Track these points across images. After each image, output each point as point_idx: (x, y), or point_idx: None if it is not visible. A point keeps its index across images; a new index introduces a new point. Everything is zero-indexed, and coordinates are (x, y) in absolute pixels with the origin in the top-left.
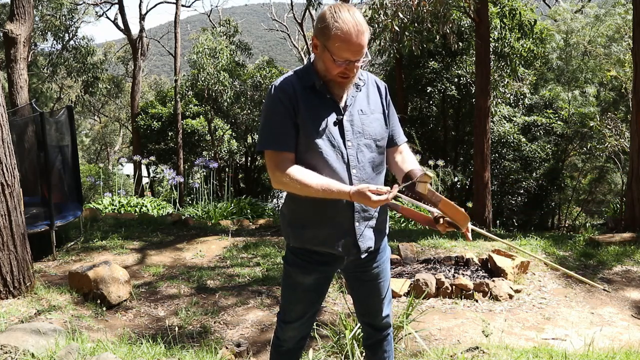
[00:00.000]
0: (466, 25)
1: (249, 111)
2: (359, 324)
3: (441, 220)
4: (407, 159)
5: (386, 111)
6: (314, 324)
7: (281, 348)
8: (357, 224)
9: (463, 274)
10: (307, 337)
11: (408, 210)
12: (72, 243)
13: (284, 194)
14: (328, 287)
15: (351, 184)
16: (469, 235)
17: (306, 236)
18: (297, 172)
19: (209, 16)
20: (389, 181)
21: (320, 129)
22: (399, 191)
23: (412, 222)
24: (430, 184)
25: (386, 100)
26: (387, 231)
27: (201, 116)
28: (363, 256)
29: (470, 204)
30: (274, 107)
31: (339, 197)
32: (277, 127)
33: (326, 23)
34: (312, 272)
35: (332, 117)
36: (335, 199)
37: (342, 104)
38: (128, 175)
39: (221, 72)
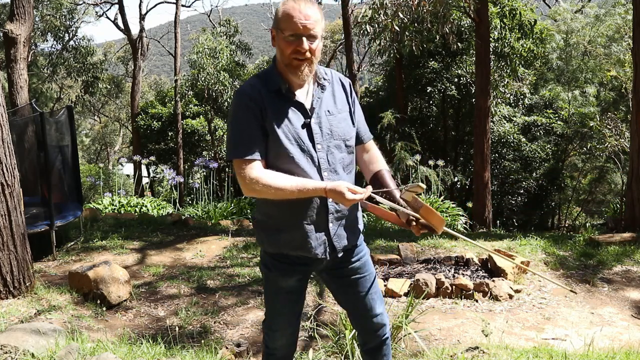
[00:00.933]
0: (466, 25)
1: None
2: None
3: (414, 223)
4: (375, 158)
5: (352, 109)
6: (315, 324)
7: (274, 357)
8: (331, 224)
9: (463, 274)
10: (296, 342)
11: (379, 210)
12: (72, 243)
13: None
14: (306, 287)
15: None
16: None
17: (282, 240)
18: (269, 177)
19: (209, 16)
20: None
21: (289, 133)
22: (374, 192)
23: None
24: (419, 194)
25: (351, 97)
26: (361, 228)
27: (201, 116)
28: (340, 255)
29: (470, 204)
30: (241, 114)
31: (314, 194)
32: (246, 134)
33: (278, 8)
34: (293, 274)
35: (300, 121)
36: (309, 199)
37: (308, 106)
38: (128, 175)
39: (221, 72)
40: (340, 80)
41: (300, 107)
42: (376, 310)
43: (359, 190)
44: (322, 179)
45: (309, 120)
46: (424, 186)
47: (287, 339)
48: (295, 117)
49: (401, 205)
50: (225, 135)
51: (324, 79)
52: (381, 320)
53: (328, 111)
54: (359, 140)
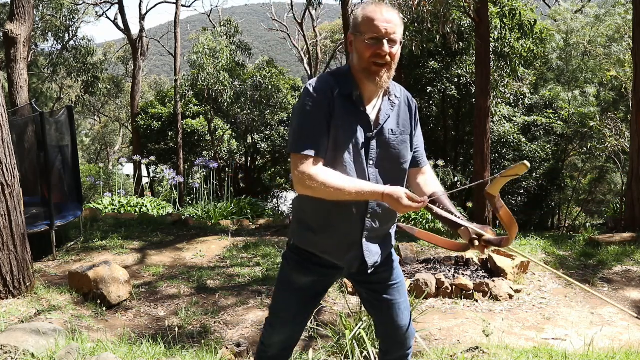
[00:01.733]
0: (466, 25)
1: (249, 111)
2: (359, 324)
3: (476, 243)
4: (430, 181)
5: (413, 132)
6: (315, 324)
7: (265, 354)
8: (364, 240)
9: (463, 274)
10: (293, 347)
11: (428, 235)
12: (72, 243)
13: (287, 194)
14: (324, 293)
15: (367, 201)
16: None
17: (310, 240)
18: (327, 175)
19: (209, 16)
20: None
21: (349, 141)
22: (431, 202)
23: (412, 223)
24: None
25: (415, 120)
26: (393, 243)
27: (201, 116)
28: (370, 271)
29: (470, 204)
30: (311, 108)
31: (371, 197)
32: (311, 129)
33: (357, 12)
34: (310, 273)
35: (362, 133)
36: (348, 210)
37: (373, 119)
38: (128, 175)
39: (221, 72)
40: (408, 101)
41: (366, 118)
42: (404, 322)
43: (417, 199)
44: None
45: (370, 134)
46: (529, 164)
47: (283, 338)
48: (358, 127)
49: (463, 220)
50: (225, 135)
51: (396, 96)
52: (408, 332)
53: (391, 130)
54: (415, 164)
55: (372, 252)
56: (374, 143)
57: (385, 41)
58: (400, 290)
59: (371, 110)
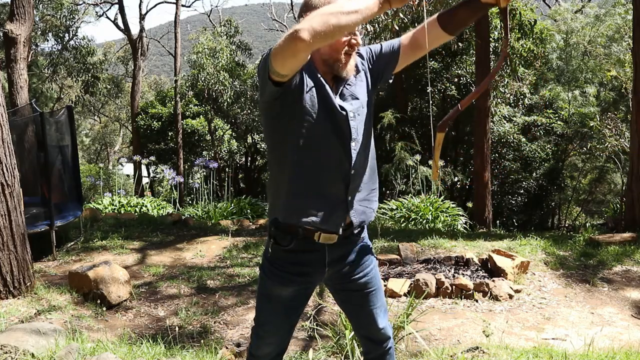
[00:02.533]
0: None
1: (249, 111)
2: None
3: None
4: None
5: (365, 71)
6: (315, 324)
7: None
8: (349, 197)
9: (463, 274)
10: (282, 354)
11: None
12: (72, 243)
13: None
14: (307, 301)
15: (350, 156)
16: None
17: (296, 207)
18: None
19: (209, 16)
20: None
21: (324, 108)
22: None
23: (412, 223)
24: None
25: (372, 55)
26: (376, 208)
27: (201, 116)
28: (356, 231)
29: (470, 204)
30: None
31: (374, 13)
32: None
33: (321, 2)
34: (290, 284)
35: (331, 97)
36: (327, 170)
37: (334, 87)
38: (128, 175)
39: (221, 72)
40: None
41: (328, 85)
42: (379, 324)
43: None
44: (350, 147)
45: (336, 94)
46: None
47: (272, 350)
48: (326, 92)
49: None
50: (225, 135)
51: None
52: (384, 333)
53: (348, 85)
54: (395, 45)
55: (358, 211)
56: (338, 100)
57: (357, 31)
58: (377, 296)
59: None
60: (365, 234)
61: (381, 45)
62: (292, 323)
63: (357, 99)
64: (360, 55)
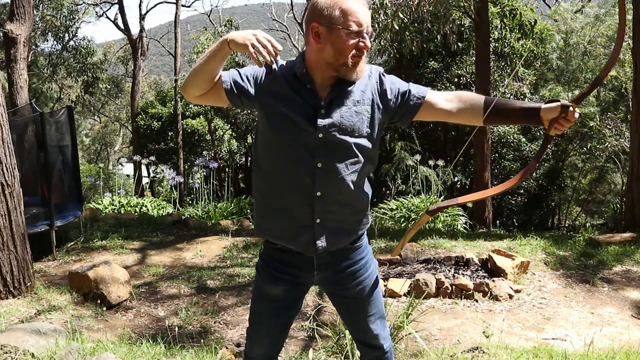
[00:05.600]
0: (466, 25)
1: (249, 111)
2: None
3: (570, 109)
4: (463, 97)
5: (381, 101)
6: (315, 324)
7: None
8: (317, 220)
9: (463, 274)
10: (277, 356)
11: (477, 194)
12: (72, 243)
13: None
14: (301, 302)
15: (314, 176)
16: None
17: (264, 226)
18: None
19: (209, 16)
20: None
21: (294, 116)
22: (493, 109)
23: (412, 223)
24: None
25: (380, 87)
26: (361, 233)
27: (201, 116)
28: (319, 254)
29: (470, 204)
30: (252, 69)
31: (218, 51)
32: (242, 75)
33: (327, 3)
34: (280, 282)
35: (308, 107)
36: (290, 189)
37: (323, 95)
38: (128, 175)
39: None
40: (369, 72)
41: (313, 93)
42: (374, 331)
43: (273, 43)
44: (314, 167)
45: (319, 108)
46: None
47: (265, 350)
48: (304, 100)
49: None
50: (225, 135)
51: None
52: (379, 339)
53: (344, 101)
54: (417, 102)
55: (327, 240)
56: (323, 114)
57: (366, 35)
58: (373, 304)
59: (321, 89)
60: (362, 241)
61: (409, 90)
62: (284, 324)
63: (350, 114)
64: (382, 81)
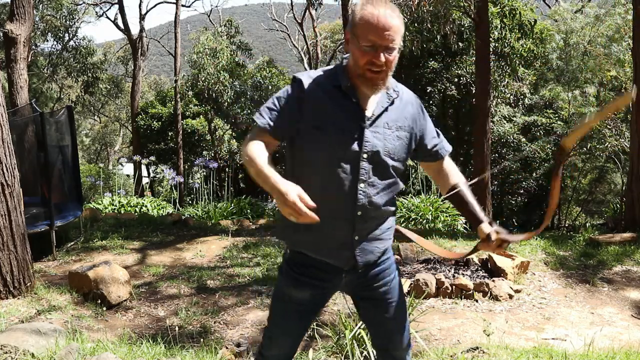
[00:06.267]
0: (466, 25)
1: (249, 111)
2: (358, 324)
3: (493, 237)
4: (449, 173)
5: (418, 132)
6: (315, 324)
7: None
8: (356, 237)
9: (463, 274)
10: (292, 356)
11: (428, 244)
12: (72, 243)
13: None
14: (323, 306)
15: (356, 197)
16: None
17: (300, 240)
18: (252, 145)
19: (209, 16)
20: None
21: (337, 134)
22: (454, 194)
23: (412, 223)
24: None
25: (421, 118)
26: (391, 242)
27: (201, 116)
28: (360, 270)
29: None
30: (286, 94)
31: (264, 183)
32: (281, 113)
33: (355, 11)
34: (306, 287)
35: (355, 123)
36: (333, 205)
37: (368, 113)
38: (128, 175)
39: (221, 72)
40: (412, 99)
41: (358, 110)
42: (396, 338)
43: (307, 202)
44: (357, 188)
45: (364, 124)
46: (634, 93)
47: (281, 352)
48: (350, 118)
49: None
50: (225, 135)
51: (394, 90)
52: (405, 346)
53: (386, 123)
54: (433, 157)
55: (365, 251)
56: (368, 134)
57: (381, 50)
58: (397, 309)
59: (367, 103)
60: (389, 250)
61: (440, 141)
62: (304, 327)
63: (393, 138)
64: (423, 115)
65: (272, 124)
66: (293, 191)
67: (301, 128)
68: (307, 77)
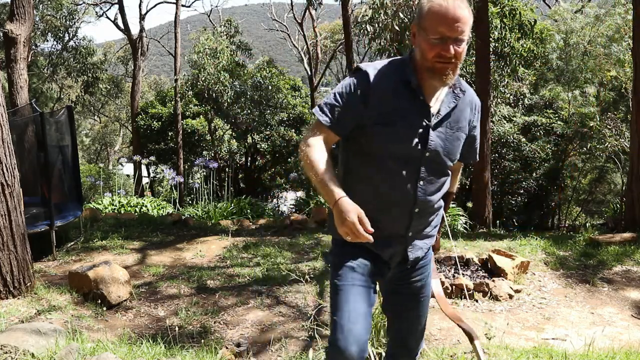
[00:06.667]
0: None
1: (249, 111)
2: None
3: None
4: (452, 178)
5: (470, 132)
6: (315, 324)
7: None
8: (410, 233)
9: (463, 274)
10: (365, 346)
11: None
12: (72, 243)
13: (286, 194)
14: (376, 285)
15: (415, 194)
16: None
17: None
18: (314, 148)
19: (209, 16)
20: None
21: (406, 130)
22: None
23: None
24: None
25: (476, 119)
26: (436, 235)
27: (201, 116)
28: (409, 266)
29: (470, 204)
30: (350, 89)
31: (325, 194)
32: (339, 107)
33: (422, 3)
34: (362, 255)
35: (421, 121)
36: (394, 200)
37: (434, 110)
38: (128, 175)
39: (221, 72)
40: (472, 99)
41: (425, 107)
42: (419, 333)
43: (365, 226)
44: (416, 185)
45: (430, 123)
46: None
47: (357, 336)
48: (416, 116)
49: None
50: (225, 135)
51: (460, 90)
52: (420, 341)
53: (449, 123)
54: (460, 158)
55: (415, 247)
56: (433, 134)
57: (450, 42)
58: (425, 304)
59: (431, 100)
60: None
61: (473, 135)
62: (368, 304)
63: (453, 139)
64: (477, 117)
65: (334, 119)
66: (353, 211)
67: (365, 123)
68: (373, 69)
